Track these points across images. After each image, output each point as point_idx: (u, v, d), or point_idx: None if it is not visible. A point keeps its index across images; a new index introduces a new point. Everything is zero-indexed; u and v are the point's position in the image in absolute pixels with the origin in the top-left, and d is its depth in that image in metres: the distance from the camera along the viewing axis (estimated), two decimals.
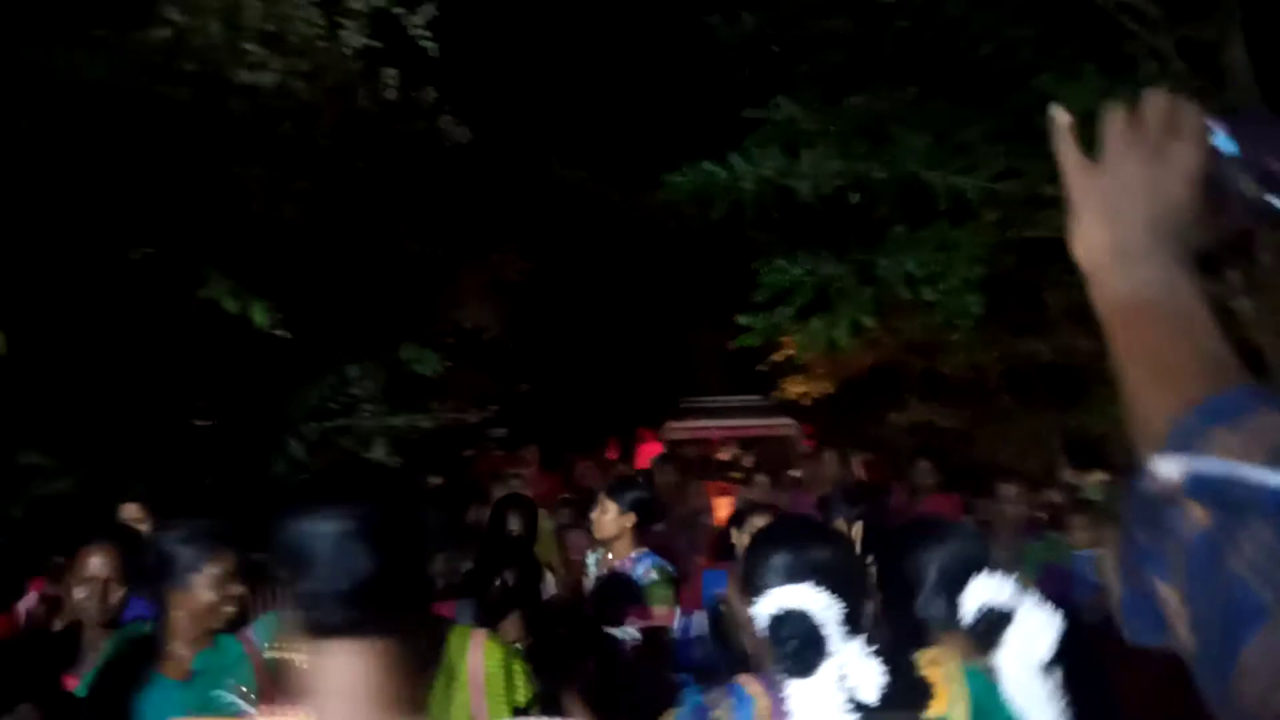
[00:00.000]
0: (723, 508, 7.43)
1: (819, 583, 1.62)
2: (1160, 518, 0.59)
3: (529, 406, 11.96)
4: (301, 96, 4.67)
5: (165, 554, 2.41)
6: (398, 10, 5.06)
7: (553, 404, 12.78)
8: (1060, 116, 0.78)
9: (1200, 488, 0.57)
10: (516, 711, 2.16)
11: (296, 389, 6.83)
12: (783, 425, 11.48)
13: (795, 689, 1.58)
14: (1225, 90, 3.75)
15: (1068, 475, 5.98)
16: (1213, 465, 0.57)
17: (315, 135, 5.14)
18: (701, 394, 12.37)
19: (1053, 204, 4.11)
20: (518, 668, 2.21)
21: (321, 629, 1.12)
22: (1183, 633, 0.58)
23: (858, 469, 6.77)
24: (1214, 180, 0.71)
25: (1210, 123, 0.72)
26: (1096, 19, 3.85)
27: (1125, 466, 0.72)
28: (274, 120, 4.81)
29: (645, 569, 3.74)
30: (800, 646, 1.59)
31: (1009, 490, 4.50)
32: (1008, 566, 4.30)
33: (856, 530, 3.57)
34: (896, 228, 4.29)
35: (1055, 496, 5.59)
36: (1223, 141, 0.71)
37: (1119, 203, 0.72)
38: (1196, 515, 0.57)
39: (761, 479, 6.29)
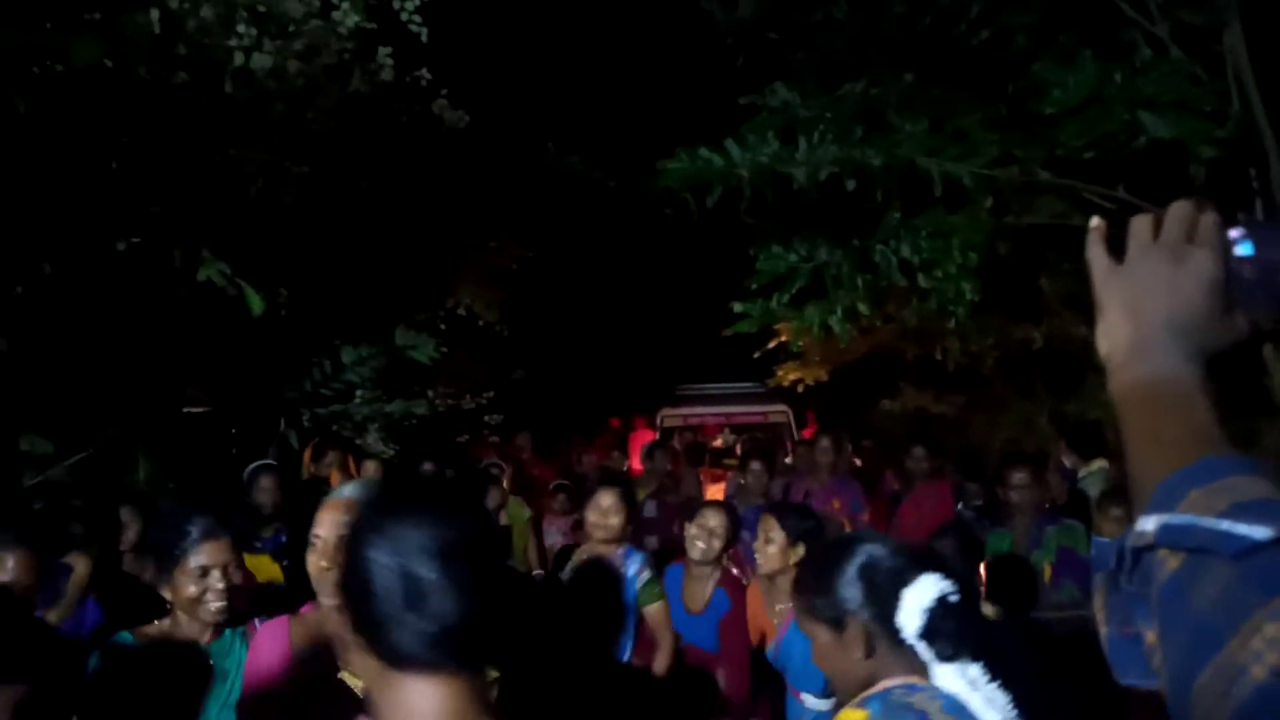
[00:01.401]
0: (717, 494, 7.45)
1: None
2: (1144, 567, 0.67)
3: (524, 393, 11.98)
4: (296, 79, 4.64)
5: (156, 546, 2.41)
6: None
7: (548, 391, 12.79)
8: (1095, 222, 0.86)
9: (1169, 536, 0.65)
10: None
11: (292, 375, 6.82)
12: (777, 412, 11.50)
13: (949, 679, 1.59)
14: (1223, 77, 3.74)
15: (1066, 460, 6.00)
16: (1180, 518, 0.65)
17: (310, 118, 5.11)
18: (696, 381, 12.37)
19: (1048, 191, 4.11)
20: None
21: (408, 661, 1.05)
22: (1159, 670, 0.65)
23: (850, 456, 6.79)
24: (1234, 283, 0.78)
25: (1231, 230, 0.79)
26: (1093, 5, 3.84)
27: (1119, 453, 0.81)
28: (269, 103, 4.78)
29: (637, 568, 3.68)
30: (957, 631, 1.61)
31: (1022, 476, 4.47)
32: (1024, 550, 4.32)
33: (799, 551, 3.51)
34: (892, 214, 4.28)
35: (1053, 482, 5.62)
36: (1241, 246, 0.78)
37: (1139, 302, 0.79)
38: (1170, 562, 0.65)
39: (755, 466, 6.30)
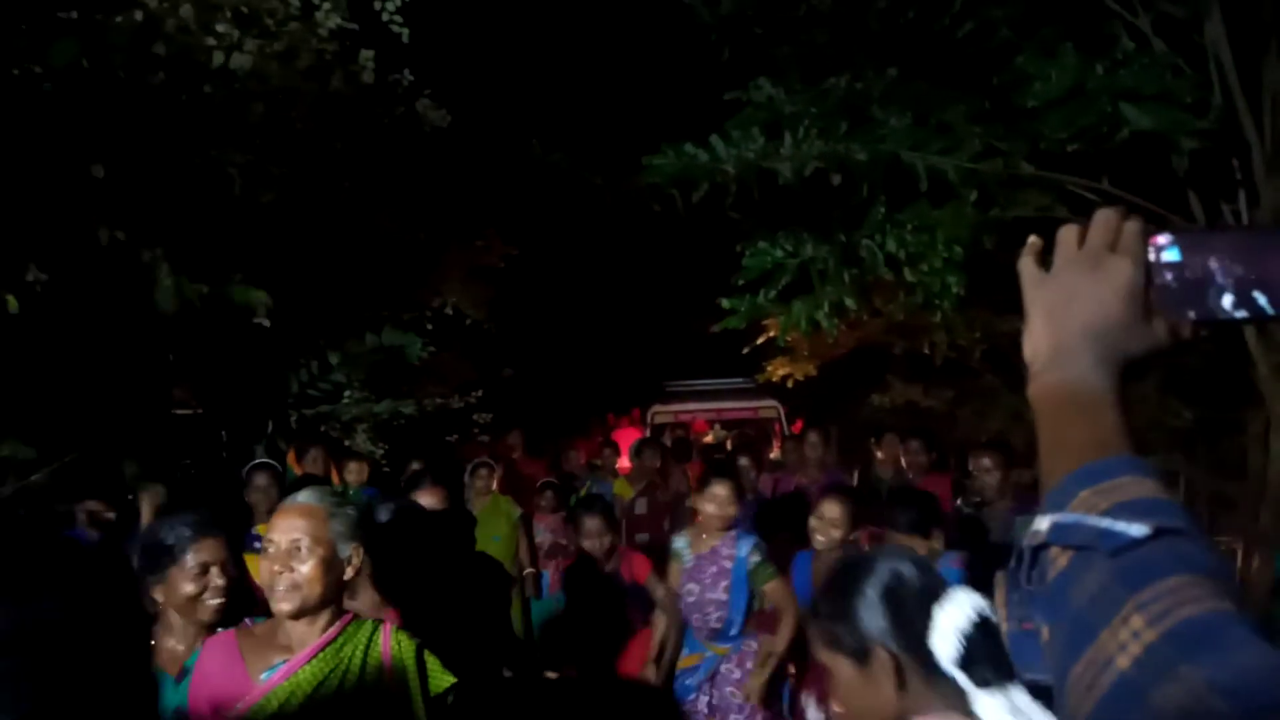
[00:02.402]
0: None
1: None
2: (1040, 565, 0.70)
3: (513, 391, 11.95)
4: (276, 80, 4.61)
5: (147, 546, 2.38)
6: None
7: (537, 389, 12.78)
8: (1032, 238, 0.88)
9: (1059, 535, 0.68)
10: (435, 700, 2.12)
11: (279, 376, 6.79)
12: (767, 407, 11.51)
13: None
14: (1204, 68, 3.76)
15: None
16: (1069, 516, 0.68)
17: (292, 119, 5.08)
18: (685, 377, 12.37)
19: (1033, 184, 4.12)
20: (430, 657, 2.16)
21: None
22: (1050, 663, 0.67)
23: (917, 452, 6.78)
24: (1158, 290, 0.79)
25: (1158, 236, 0.79)
26: None
27: None
28: (249, 103, 4.75)
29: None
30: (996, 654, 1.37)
31: (988, 462, 4.48)
32: (999, 538, 4.35)
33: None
34: (877, 209, 4.29)
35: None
36: (1168, 252, 0.78)
37: (1059, 310, 0.82)
38: (1060, 560, 0.68)
39: (743, 461, 6.30)
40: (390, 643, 2.11)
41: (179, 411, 6.94)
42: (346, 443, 7.30)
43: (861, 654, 1.46)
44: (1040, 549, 0.70)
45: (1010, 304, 7.42)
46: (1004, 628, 0.76)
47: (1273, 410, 4.15)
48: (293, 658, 2.02)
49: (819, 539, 3.94)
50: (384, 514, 3.14)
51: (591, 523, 4.40)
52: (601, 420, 12.83)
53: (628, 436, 10.45)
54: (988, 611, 1.42)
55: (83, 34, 3.98)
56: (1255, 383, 4.22)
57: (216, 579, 2.33)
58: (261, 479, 4.79)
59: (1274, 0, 3.74)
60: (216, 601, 2.32)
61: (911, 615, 1.44)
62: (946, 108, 4.01)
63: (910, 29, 4.17)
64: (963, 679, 1.38)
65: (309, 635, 2.04)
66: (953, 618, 1.41)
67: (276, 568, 2.02)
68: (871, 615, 1.46)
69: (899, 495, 4.20)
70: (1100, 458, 0.72)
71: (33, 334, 4.90)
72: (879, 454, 6.64)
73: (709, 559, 4.04)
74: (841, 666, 1.49)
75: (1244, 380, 4.45)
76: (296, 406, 6.90)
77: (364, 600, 2.70)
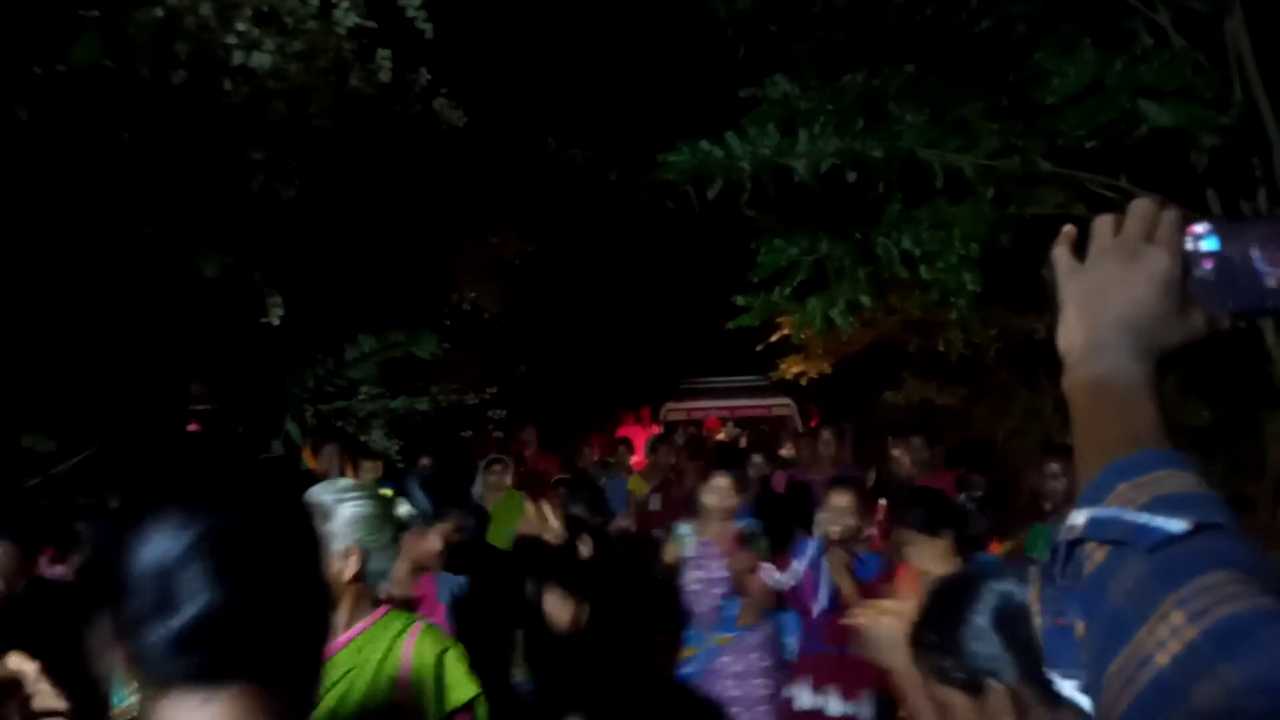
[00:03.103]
0: None
1: None
2: (1075, 561, 0.69)
3: (528, 388, 11.98)
4: (296, 78, 4.63)
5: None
6: None
7: (552, 385, 12.80)
8: (1067, 227, 0.87)
9: (1095, 529, 0.67)
10: (454, 711, 2.00)
11: (294, 372, 6.83)
12: (780, 405, 11.50)
13: None
14: (1225, 64, 3.73)
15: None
16: (1106, 511, 0.67)
17: (311, 117, 5.11)
18: (699, 375, 12.37)
19: (1050, 181, 4.10)
20: (453, 664, 2.03)
21: (164, 675, 0.85)
22: (1085, 660, 0.66)
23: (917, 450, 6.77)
24: (1195, 280, 0.77)
25: (1195, 225, 0.78)
26: None
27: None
28: (269, 101, 4.78)
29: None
30: None
31: (1056, 467, 4.37)
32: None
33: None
34: (894, 206, 4.28)
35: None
36: (1205, 241, 0.77)
37: (1094, 301, 0.81)
38: (1096, 554, 0.67)
39: (757, 459, 6.30)
40: (413, 649, 2.01)
41: (196, 407, 6.99)
42: (362, 439, 7.33)
43: (975, 687, 1.33)
44: (1076, 544, 0.69)
45: (1027, 302, 7.41)
46: (1038, 623, 0.75)
47: None
48: None
49: (833, 529, 3.95)
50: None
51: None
52: (615, 417, 12.85)
53: (641, 433, 10.47)
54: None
55: (104, 32, 4.02)
56: (1274, 381, 4.19)
57: None
58: None
59: None
60: None
61: (1027, 640, 1.25)
62: (963, 105, 4.00)
63: (927, 25, 4.15)
64: (1085, 703, 1.24)
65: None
66: None
67: None
68: (984, 645, 1.33)
69: (912, 493, 4.19)
70: (1137, 451, 0.71)
71: (54, 329, 4.95)
72: (894, 452, 6.62)
73: (711, 547, 4.06)
74: (955, 700, 1.37)
75: (1263, 379, 4.42)
76: (313, 402, 6.94)
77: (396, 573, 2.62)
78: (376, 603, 2.09)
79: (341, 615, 1.99)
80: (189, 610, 0.83)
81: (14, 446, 4.57)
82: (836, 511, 3.94)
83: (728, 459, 4.58)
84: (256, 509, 0.93)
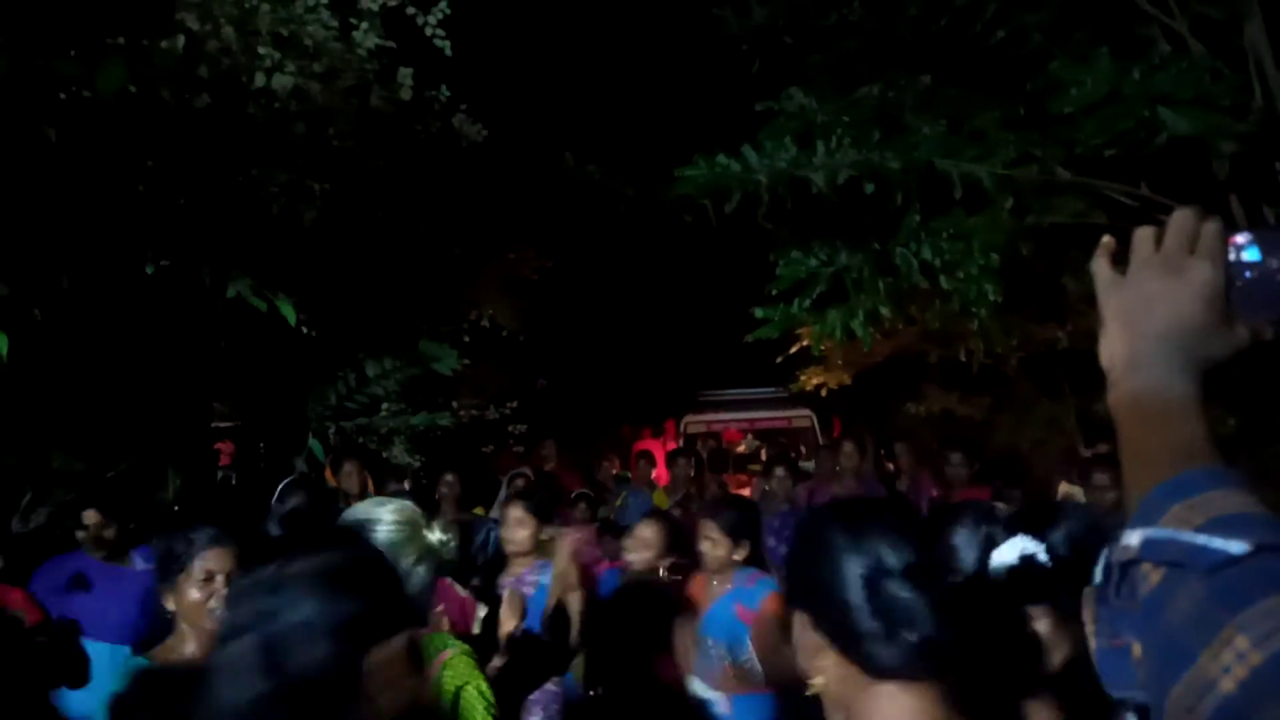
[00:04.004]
0: None
1: None
2: (1130, 581, 0.68)
3: (548, 402, 12.01)
4: (317, 99, 4.70)
5: (159, 555, 2.43)
6: (411, 10, 5.09)
7: (572, 399, 12.83)
8: (1105, 238, 0.86)
9: (1151, 551, 0.66)
10: None
11: (317, 389, 6.88)
12: (801, 416, 11.46)
13: None
14: (1244, 71, 3.71)
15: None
16: (1161, 532, 0.66)
17: (332, 137, 5.17)
18: (719, 387, 12.35)
19: (1069, 190, 4.09)
20: (470, 698, 2.00)
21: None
22: (1143, 682, 0.66)
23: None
24: (1237, 290, 0.76)
25: (1236, 236, 0.77)
26: (1110, 2, 3.83)
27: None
28: (291, 123, 4.85)
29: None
30: None
31: (1103, 477, 4.26)
32: None
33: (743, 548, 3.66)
34: (912, 217, 4.27)
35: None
36: (1247, 251, 0.76)
37: (1136, 315, 0.80)
38: (1152, 576, 0.66)
39: (779, 471, 6.28)
40: (437, 673, 2.00)
41: (220, 424, 7.06)
42: (384, 455, 7.38)
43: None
44: (1130, 564, 0.68)
45: (1048, 311, 7.37)
46: (1092, 644, 0.74)
47: None
48: None
49: (633, 557, 3.87)
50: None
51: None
52: (636, 431, 12.85)
53: (659, 447, 10.46)
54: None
55: (129, 58, 4.09)
56: None
57: (222, 588, 2.35)
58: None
59: None
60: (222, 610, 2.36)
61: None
62: (980, 115, 4.00)
63: (942, 36, 4.16)
64: None
65: None
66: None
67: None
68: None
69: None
70: (1187, 468, 0.69)
71: (79, 349, 5.02)
72: (889, 465, 6.60)
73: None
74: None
75: None
76: (335, 419, 6.99)
77: None
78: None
79: None
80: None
81: (45, 467, 4.62)
82: (639, 541, 3.86)
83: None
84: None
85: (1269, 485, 5.35)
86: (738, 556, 3.55)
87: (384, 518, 2.05)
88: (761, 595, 3.46)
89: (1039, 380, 8.60)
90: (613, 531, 5.40)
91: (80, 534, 3.90)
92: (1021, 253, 4.22)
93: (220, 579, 2.37)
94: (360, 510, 2.10)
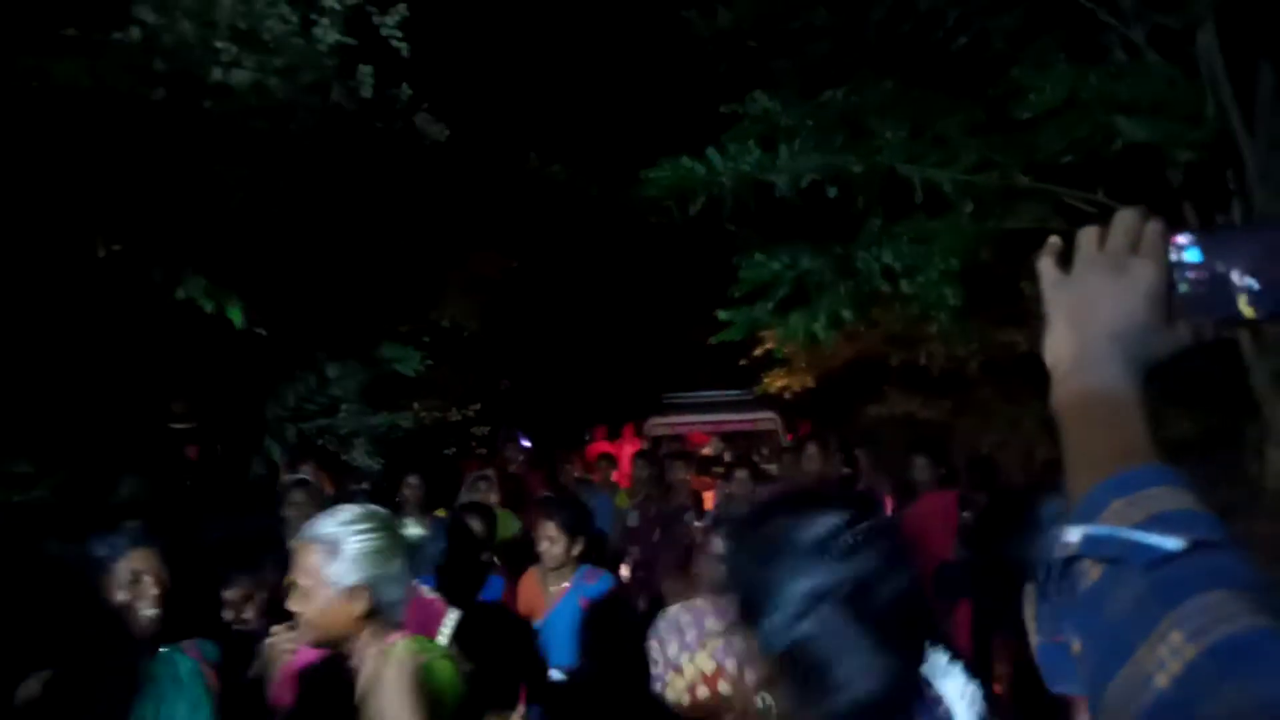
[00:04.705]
0: (705, 503, 7.44)
1: None
2: (1071, 577, 0.68)
3: (511, 403, 11.96)
4: (276, 95, 4.63)
5: (83, 559, 2.37)
6: (370, 9, 5.03)
7: (535, 401, 12.78)
8: (1052, 238, 0.86)
9: (1091, 547, 0.66)
10: None
11: (275, 390, 6.79)
12: (765, 419, 11.50)
13: None
14: (1198, 80, 3.78)
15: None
16: (1101, 529, 0.66)
17: (292, 134, 5.10)
18: (683, 389, 12.35)
19: (1029, 195, 4.14)
20: (442, 666, 1.99)
21: None
22: (1083, 677, 0.66)
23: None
24: (1179, 291, 0.77)
25: (1178, 236, 0.77)
26: (1071, 10, 3.88)
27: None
28: (249, 119, 4.77)
29: None
30: None
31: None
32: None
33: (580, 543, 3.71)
34: (874, 221, 4.31)
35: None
36: (1188, 252, 0.77)
37: (1081, 314, 0.80)
38: (1092, 572, 0.66)
39: (740, 474, 6.27)
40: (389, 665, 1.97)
41: (175, 425, 6.93)
42: (344, 457, 7.29)
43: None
44: (1071, 560, 0.68)
45: (1008, 315, 7.46)
46: (1033, 640, 0.74)
47: (1269, 418, 4.16)
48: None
49: (544, 547, 3.86)
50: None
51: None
52: (602, 432, 12.82)
53: (623, 449, 10.45)
54: None
55: (84, 51, 4.00)
56: (1253, 392, 4.23)
57: (150, 588, 2.32)
58: (299, 495, 4.83)
59: (1266, 11, 3.77)
60: (152, 611, 2.31)
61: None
62: (942, 120, 4.04)
63: (906, 42, 4.20)
64: None
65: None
66: None
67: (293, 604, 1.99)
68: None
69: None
70: (1130, 466, 0.70)
71: (29, 348, 4.90)
72: (847, 470, 6.64)
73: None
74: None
75: (1241, 388, 4.46)
76: (294, 420, 6.90)
77: None
78: (395, 627, 2.04)
79: (356, 645, 1.97)
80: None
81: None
82: (544, 540, 3.79)
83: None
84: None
85: (1228, 486, 5.45)
86: (575, 552, 3.69)
87: (355, 525, 2.00)
88: (603, 591, 3.65)
89: (999, 383, 8.71)
90: None
91: None
92: (981, 257, 4.28)
93: (149, 580, 2.32)
94: (325, 523, 2.02)
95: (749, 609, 1.12)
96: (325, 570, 1.93)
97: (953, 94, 4.09)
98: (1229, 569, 0.62)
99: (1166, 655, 0.58)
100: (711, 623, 3.16)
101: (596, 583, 3.72)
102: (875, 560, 1.10)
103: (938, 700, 1.20)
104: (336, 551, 1.95)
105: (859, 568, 1.08)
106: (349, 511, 2.04)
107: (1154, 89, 3.48)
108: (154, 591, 2.32)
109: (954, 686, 1.23)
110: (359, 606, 1.94)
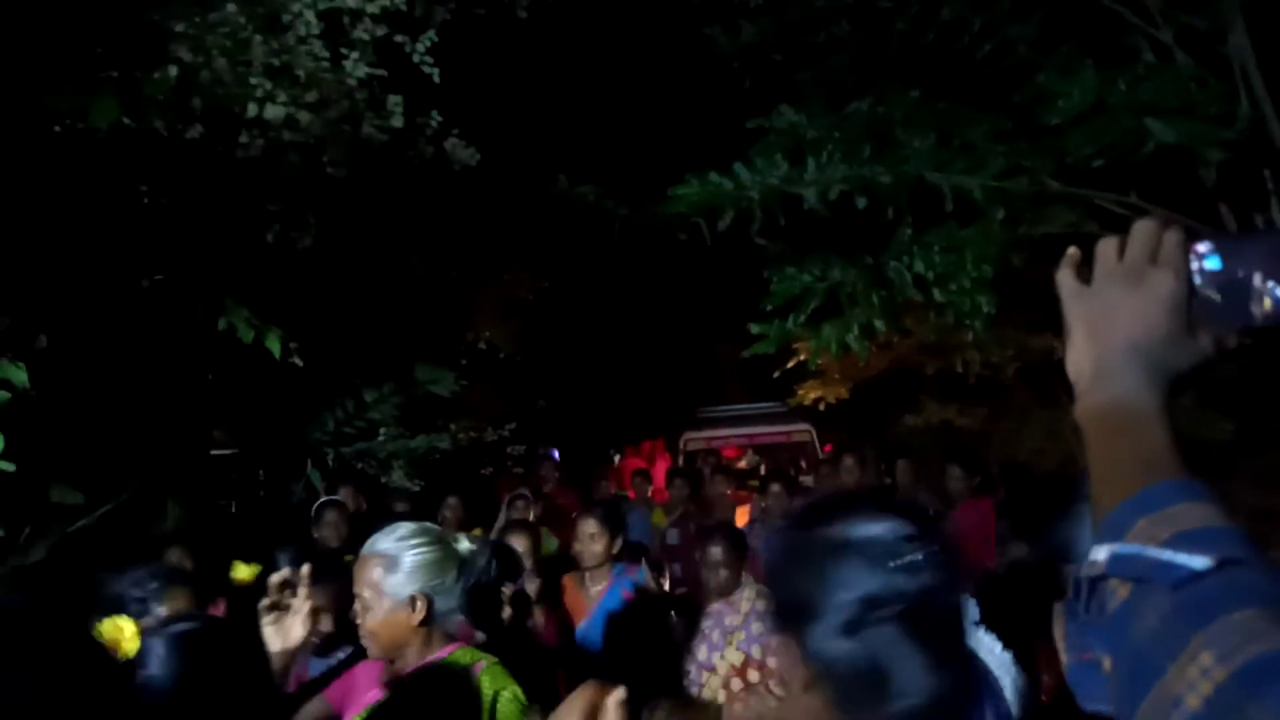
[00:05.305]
0: (741, 516, 7.42)
1: None
2: (1099, 596, 0.68)
3: (547, 422, 12.01)
4: (309, 128, 4.72)
5: (118, 598, 2.34)
6: (400, 39, 5.12)
7: (570, 419, 12.83)
8: (1071, 249, 0.86)
9: (1118, 566, 0.66)
10: None
11: (315, 415, 6.88)
12: (800, 431, 11.45)
13: None
14: (1230, 79, 3.74)
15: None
16: (1128, 548, 0.66)
17: (325, 165, 5.20)
18: (717, 403, 12.34)
19: (1060, 200, 4.11)
20: (505, 705, 2.03)
21: None
22: (1113, 696, 0.66)
23: (904, 473, 6.69)
24: (1200, 299, 0.76)
25: (1198, 244, 0.77)
26: (1095, 13, 3.86)
27: None
28: (283, 153, 4.87)
29: None
30: None
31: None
32: None
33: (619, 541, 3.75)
34: (904, 230, 4.29)
35: None
36: (1209, 260, 0.76)
37: (1101, 326, 0.80)
38: (1120, 591, 0.66)
39: (775, 488, 6.25)
40: (465, 690, 2.05)
41: (218, 452, 7.05)
42: (383, 479, 7.36)
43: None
44: (1099, 580, 0.68)
45: (1042, 321, 7.39)
46: (1063, 659, 0.75)
47: None
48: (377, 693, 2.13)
49: (579, 549, 3.90)
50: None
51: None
52: (637, 449, 12.84)
53: (657, 465, 10.45)
54: None
55: (122, 90, 4.11)
56: None
57: None
58: (330, 515, 4.98)
59: None
60: None
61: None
62: (969, 127, 4.02)
63: (930, 51, 4.19)
64: None
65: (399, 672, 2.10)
66: None
67: (356, 616, 2.09)
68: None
69: None
70: (1154, 481, 0.69)
71: (77, 381, 5.01)
72: (887, 480, 6.57)
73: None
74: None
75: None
76: (334, 445, 6.98)
77: None
78: (449, 638, 2.15)
79: (411, 654, 2.08)
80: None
81: (42, 501, 4.61)
82: (585, 538, 3.84)
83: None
84: None
85: (1269, 489, 5.35)
86: (615, 549, 3.79)
87: (411, 540, 2.11)
88: (644, 579, 3.81)
89: (1036, 389, 8.62)
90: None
91: None
92: (1014, 264, 4.24)
93: None
94: (384, 539, 2.13)
95: (797, 612, 1.09)
96: (385, 583, 2.05)
97: (978, 102, 4.07)
98: (1257, 586, 0.62)
99: (1197, 676, 0.58)
100: (731, 619, 3.19)
101: (635, 574, 3.82)
102: (938, 576, 1.07)
103: (999, 695, 1.20)
104: (395, 565, 2.07)
105: (923, 582, 1.06)
106: (405, 528, 2.15)
107: (1183, 90, 3.45)
108: None
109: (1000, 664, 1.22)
110: (417, 616, 2.06)
